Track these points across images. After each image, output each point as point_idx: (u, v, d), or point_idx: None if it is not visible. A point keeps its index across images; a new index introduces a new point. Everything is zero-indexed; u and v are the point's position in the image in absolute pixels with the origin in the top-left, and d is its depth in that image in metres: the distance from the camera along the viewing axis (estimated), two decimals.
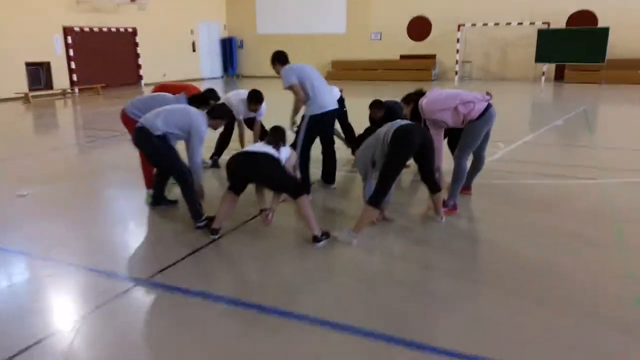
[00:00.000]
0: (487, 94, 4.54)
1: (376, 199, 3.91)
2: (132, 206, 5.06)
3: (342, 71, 21.00)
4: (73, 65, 16.40)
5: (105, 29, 17.39)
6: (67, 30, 16.08)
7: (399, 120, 4.15)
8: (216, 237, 4.08)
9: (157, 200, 4.90)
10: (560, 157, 6.96)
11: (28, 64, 15.03)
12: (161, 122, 4.30)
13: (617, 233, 4.12)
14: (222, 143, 6.63)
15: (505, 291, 3.16)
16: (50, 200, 5.27)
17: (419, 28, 20.04)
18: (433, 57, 19.96)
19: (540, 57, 17.78)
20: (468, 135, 4.51)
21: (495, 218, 4.54)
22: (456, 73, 19.36)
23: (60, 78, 16.08)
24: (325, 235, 3.96)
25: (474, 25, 18.78)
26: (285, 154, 4.10)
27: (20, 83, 14.77)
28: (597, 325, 2.75)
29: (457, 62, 19.31)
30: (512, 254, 3.74)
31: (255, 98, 6.21)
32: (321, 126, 5.06)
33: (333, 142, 5.46)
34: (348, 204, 4.99)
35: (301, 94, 4.90)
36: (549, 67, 18.30)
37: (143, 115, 4.73)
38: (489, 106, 4.46)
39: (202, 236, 4.12)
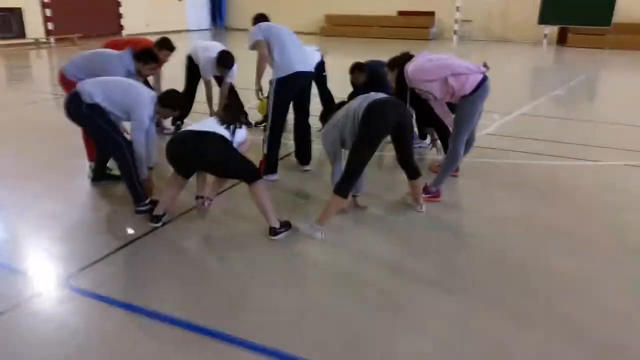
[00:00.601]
0: (484, 65, 3.91)
1: (343, 187, 3.35)
2: (71, 181, 4.48)
3: (336, 27, 19.97)
4: (48, 13, 15.36)
5: None
6: None
7: (372, 94, 3.54)
8: (157, 225, 3.53)
9: (98, 176, 4.31)
10: (559, 133, 6.37)
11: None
12: (100, 94, 3.66)
13: (619, 228, 3.61)
14: (186, 103, 5.98)
15: (487, 303, 2.66)
16: None
17: None
18: (432, 14, 18.96)
19: (543, 19, 16.87)
20: (463, 113, 3.90)
21: (483, 207, 4.00)
22: (455, 32, 18.43)
23: (34, 26, 15.08)
24: (285, 226, 3.41)
25: None
26: (240, 137, 3.51)
27: None
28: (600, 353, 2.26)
29: (456, 21, 18.35)
30: (498, 254, 3.22)
31: (224, 62, 5.53)
32: (291, 91, 4.43)
33: (307, 114, 4.79)
34: (320, 187, 4.38)
35: (264, 52, 4.29)
36: (552, 30, 17.41)
37: (84, 77, 4.12)
38: (484, 79, 3.84)
39: (141, 223, 3.56)
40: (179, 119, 5.97)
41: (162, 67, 5.51)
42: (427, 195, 3.97)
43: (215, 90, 5.86)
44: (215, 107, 5.90)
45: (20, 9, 14.61)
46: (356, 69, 5.40)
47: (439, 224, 3.69)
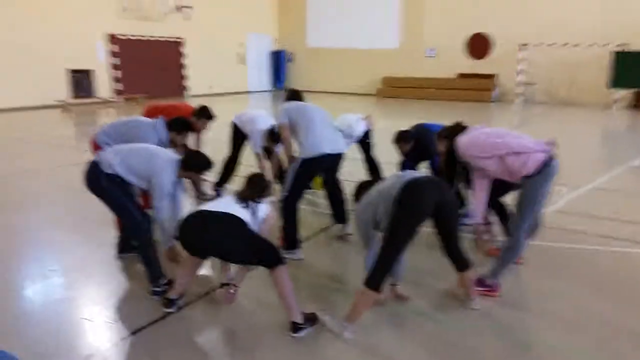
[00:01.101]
0: (551, 143, 3.39)
1: (376, 279, 2.86)
2: (97, 251, 4.23)
3: (393, 88, 19.87)
4: (117, 74, 16.23)
5: (151, 38, 17.18)
6: (111, 38, 15.94)
7: (408, 172, 3.10)
8: (171, 310, 3.15)
9: (123, 247, 4.04)
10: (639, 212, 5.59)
11: (71, 71, 14.94)
12: (118, 163, 3.43)
13: None
14: (228, 170, 5.75)
15: None
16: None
17: (479, 46, 18.64)
18: (493, 77, 18.49)
19: (615, 82, 15.96)
20: (525, 196, 3.36)
21: (549, 307, 3.34)
22: (517, 95, 17.79)
23: (103, 86, 15.93)
24: (310, 321, 2.94)
25: (538, 45, 17.21)
26: (262, 213, 3.13)
27: (63, 90, 14.69)
28: None
29: (519, 83, 17.75)
30: None
31: (275, 137, 5.24)
32: (313, 173, 4.26)
33: (337, 182, 4.55)
34: (356, 269, 3.89)
35: (287, 135, 4.19)
36: (623, 94, 16.42)
37: (115, 144, 4.01)
38: (551, 158, 3.32)
39: (156, 306, 3.20)
40: (219, 184, 5.74)
41: (201, 133, 5.35)
42: (481, 289, 3.39)
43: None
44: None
45: (92, 70, 15.53)
46: (400, 139, 4.99)
47: (495, 326, 3.08)
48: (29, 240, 4.48)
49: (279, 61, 22.46)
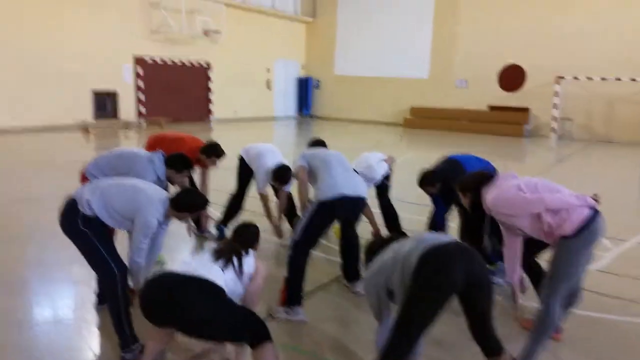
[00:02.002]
0: (594, 198, 2.83)
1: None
2: (76, 298, 3.77)
3: (421, 119, 19.33)
4: (141, 97, 16.17)
5: (178, 62, 17.14)
6: (138, 60, 15.93)
7: (428, 236, 2.55)
8: None
9: (102, 298, 3.57)
10: None
11: (95, 93, 14.92)
12: (97, 201, 2.98)
13: None
14: (233, 206, 5.28)
15: None
16: None
17: (512, 77, 17.97)
18: (526, 110, 17.78)
19: None
20: (561, 259, 2.80)
21: None
22: (553, 131, 17.00)
23: (127, 108, 15.87)
24: None
25: (576, 78, 16.47)
26: (249, 268, 2.62)
27: (86, 110, 14.65)
28: None
29: (554, 118, 16.98)
30: None
31: (280, 178, 4.70)
32: (330, 218, 3.76)
33: (355, 234, 4.09)
34: (367, 337, 3.31)
35: (303, 178, 3.94)
36: None
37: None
38: (594, 215, 2.75)
39: None
40: (223, 223, 5.26)
41: (209, 169, 4.90)
42: None
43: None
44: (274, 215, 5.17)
45: (116, 92, 15.49)
46: (424, 182, 4.42)
47: None
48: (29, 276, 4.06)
49: (305, 88, 22.25)
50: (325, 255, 4.78)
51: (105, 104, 15.22)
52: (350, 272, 4.08)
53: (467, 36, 18.58)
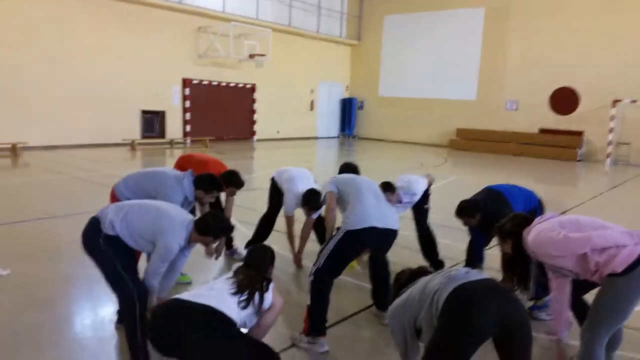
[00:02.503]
0: None
1: None
2: (97, 317, 3.72)
3: (468, 141, 18.81)
4: (188, 116, 16.53)
5: (223, 83, 17.47)
6: (185, 82, 16.34)
7: (461, 272, 2.31)
8: None
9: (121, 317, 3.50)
10: None
11: (144, 112, 15.37)
12: (120, 222, 2.95)
13: None
14: (262, 229, 5.16)
15: None
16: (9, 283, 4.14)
17: (565, 100, 17.22)
18: (580, 133, 16.99)
19: None
20: (608, 301, 2.52)
21: None
22: (608, 156, 16.13)
23: (174, 128, 16.25)
24: None
25: (634, 101, 15.63)
26: (266, 304, 2.47)
27: (135, 129, 15.10)
28: None
29: (609, 142, 16.12)
30: None
31: (311, 203, 4.59)
32: (357, 250, 3.67)
33: (386, 263, 3.88)
34: None
35: (332, 204, 3.79)
36: None
37: (134, 198, 3.59)
38: None
39: None
40: (252, 242, 5.14)
41: (234, 194, 4.79)
42: None
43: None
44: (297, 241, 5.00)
45: (164, 111, 15.91)
46: (463, 213, 4.15)
47: None
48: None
49: (349, 108, 22.20)
50: (356, 281, 4.56)
51: (153, 123, 15.64)
52: (380, 299, 3.85)
53: (517, 57, 18.05)
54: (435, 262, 4.88)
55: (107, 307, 3.82)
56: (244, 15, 17.25)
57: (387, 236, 3.67)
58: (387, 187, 4.40)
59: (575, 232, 2.60)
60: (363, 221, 3.51)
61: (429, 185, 4.97)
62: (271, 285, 2.59)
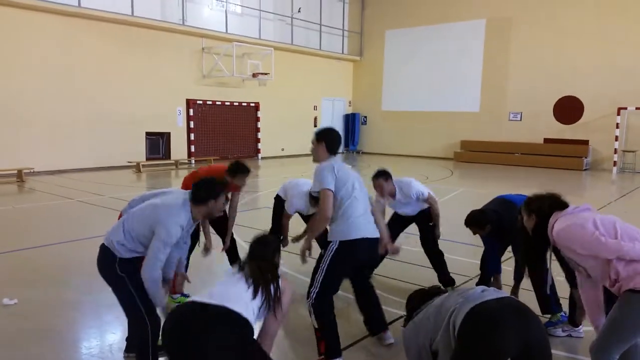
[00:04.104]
0: None
1: None
2: (104, 345, 3.67)
3: (473, 152, 18.77)
4: (192, 137, 16.60)
5: (227, 103, 17.56)
6: (189, 102, 16.43)
7: (477, 291, 2.26)
8: None
9: (131, 345, 3.44)
10: None
11: (148, 134, 15.44)
12: (123, 235, 2.93)
13: None
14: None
15: None
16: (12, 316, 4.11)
17: (569, 109, 17.26)
18: (585, 142, 16.91)
19: None
20: (622, 316, 2.45)
21: None
22: (614, 164, 16.03)
23: (179, 148, 16.30)
24: None
25: (638, 109, 15.57)
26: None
27: (140, 151, 15.15)
28: None
29: (615, 151, 16.03)
30: None
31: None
32: (353, 261, 3.39)
33: (370, 284, 3.78)
34: None
35: (329, 209, 3.25)
36: None
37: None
38: None
39: None
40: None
41: (239, 193, 4.80)
42: None
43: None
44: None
45: (169, 133, 15.98)
46: (472, 223, 4.11)
47: None
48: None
49: (352, 124, 22.24)
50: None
51: (158, 144, 15.72)
52: (374, 322, 3.71)
53: (520, 68, 18.07)
54: (446, 281, 4.79)
55: (115, 334, 3.78)
56: (246, 35, 17.41)
57: (375, 247, 3.47)
58: (382, 174, 4.38)
59: (610, 236, 2.50)
60: (357, 230, 3.28)
61: (430, 205, 4.81)
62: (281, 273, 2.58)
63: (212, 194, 3.00)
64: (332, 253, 3.26)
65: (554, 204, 2.81)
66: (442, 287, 3.59)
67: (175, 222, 2.85)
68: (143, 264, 2.87)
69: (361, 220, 3.32)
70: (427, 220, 4.81)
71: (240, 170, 4.47)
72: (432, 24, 19.91)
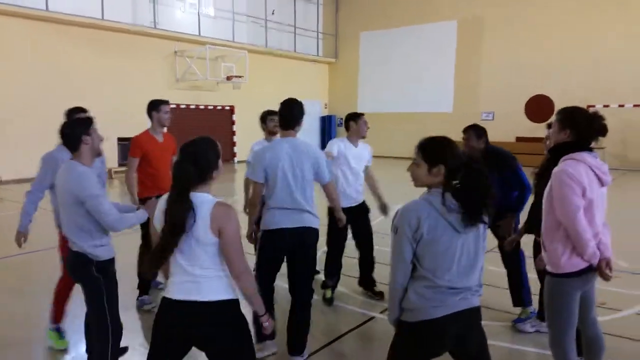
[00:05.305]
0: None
1: None
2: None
3: None
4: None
5: (202, 106, 17.43)
6: None
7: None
8: None
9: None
10: None
11: (120, 139, 15.23)
12: (75, 233, 2.91)
13: None
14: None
15: None
16: None
17: (539, 108, 17.51)
18: None
19: None
20: (549, 305, 2.66)
21: None
22: None
23: None
24: None
25: (606, 106, 15.98)
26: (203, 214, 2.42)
27: (111, 157, 14.92)
28: None
29: None
30: None
31: None
32: (275, 252, 3.35)
33: (308, 297, 3.49)
34: None
35: (256, 197, 3.38)
36: None
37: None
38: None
39: None
40: None
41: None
42: None
43: None
44: None
45: None
46: (471, 128, 4.04)
47: None
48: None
49: (329, 126, 22.31)
50: (345, 305, 4.52)
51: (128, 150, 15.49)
52: (294, 346, 3.46)
53: (491, 68, 18.40)
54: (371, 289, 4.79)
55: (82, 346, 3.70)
56: (219, 37, 17.31)
57: (303, 238, 3.38)
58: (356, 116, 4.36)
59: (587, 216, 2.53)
60: (277, 221, 3.30)
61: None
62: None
63: (76, 130, 2.93)
64: (258, 241, 3.47)
65: (600, 131, 2.80)
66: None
67: (85, 179, 2.79)
68: (105, 224, 2.82)
69: (282, 209, 3.33)
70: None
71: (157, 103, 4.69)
72: (405, 25, 20.13)
